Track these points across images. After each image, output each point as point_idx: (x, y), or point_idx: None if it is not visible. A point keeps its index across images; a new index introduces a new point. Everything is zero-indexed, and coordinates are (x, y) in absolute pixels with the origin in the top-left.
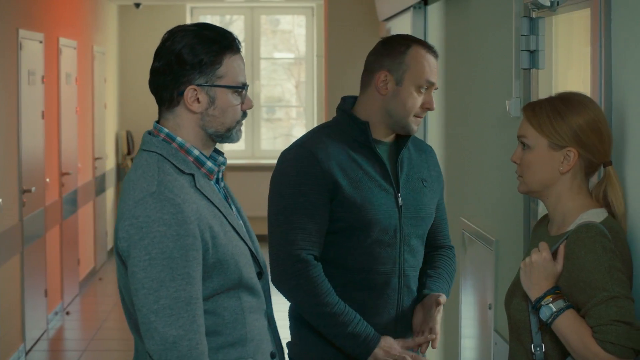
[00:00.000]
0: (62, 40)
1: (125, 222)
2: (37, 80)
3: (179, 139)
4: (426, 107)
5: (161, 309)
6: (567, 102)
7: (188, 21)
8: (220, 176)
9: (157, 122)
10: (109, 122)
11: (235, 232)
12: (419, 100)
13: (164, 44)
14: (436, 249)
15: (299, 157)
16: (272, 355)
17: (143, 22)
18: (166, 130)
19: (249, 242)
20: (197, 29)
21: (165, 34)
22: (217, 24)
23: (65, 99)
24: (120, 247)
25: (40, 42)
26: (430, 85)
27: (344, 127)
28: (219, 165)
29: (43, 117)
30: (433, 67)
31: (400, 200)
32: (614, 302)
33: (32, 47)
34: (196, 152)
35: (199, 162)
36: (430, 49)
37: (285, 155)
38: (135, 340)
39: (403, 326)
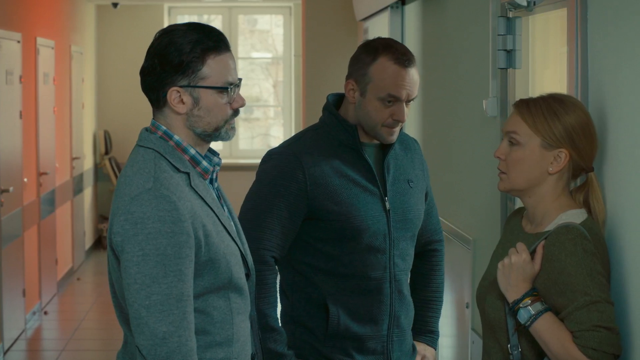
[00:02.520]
0: (40, 40)
1: (121, 218)
2: (15, 80)
3: (176, 137)
4: (395, 118)
5: (152, 304)
6: (562, 102)
7: (165, 21)
8: (214, 176)
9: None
10: (86, 121)
11: (227, 233)
12: (384, 112)
13: (152, 43)
14: (424, 252)
15: (284, 159)
16: (252, 357)
17: (121, 22)
18: (164, 128)
19: (239, 243)
20: (184, 29)
21: (157, 33)
22: None
23: (43, 99)
24: (115, 242)
25: (18, 41)
26: (395, 99)
27: (330, 129)
28: (214, 166)
29: (21, 117)
30: (401, 82)
31: (387, 204)
32: (595, 306)
33: (9, 47)
34: (192, 151)
35: (194, 161)
36: (401, 60)
37: (271, 155)
38: (125, 333)
39: (395, 332)
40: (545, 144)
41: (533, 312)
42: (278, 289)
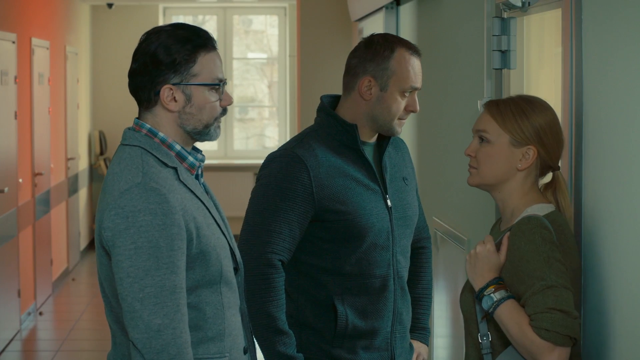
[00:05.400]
0: (35, 41)
1: (111, 212)
2: (10, 81)
3: (160, 134)
4: (410, 109)
5: (146, 297)
6: (530, 102)
7: (160, 21)
8: (199, 172)
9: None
10: (81, 122)
11: (217, 226)
12: (402, 104)
13: (140, 45)
14: (413, 249)
15: (289, 161)
16: (245, 351)
17: (115, 22)
18: (148, 125)
19: (228, 237)
20: (171, 28)
21: (142, 35)
22: None
23: (38, 99)
24: (105, 237)
25: (13, 42)
26: (415, 90)
27: (329, 129)
28: (199, 162)
29: (16, 117)
30: (417, 72)
31: (389, 201)
32: (550, 291)
33: (5, 48)
34: (178, 147)
35: (180, 157)
36: (414, 50)
37: (274, 158)
38: (114, 333)
39: (398, 328)
40: (514, 141)
41: (495, 299)
42: None
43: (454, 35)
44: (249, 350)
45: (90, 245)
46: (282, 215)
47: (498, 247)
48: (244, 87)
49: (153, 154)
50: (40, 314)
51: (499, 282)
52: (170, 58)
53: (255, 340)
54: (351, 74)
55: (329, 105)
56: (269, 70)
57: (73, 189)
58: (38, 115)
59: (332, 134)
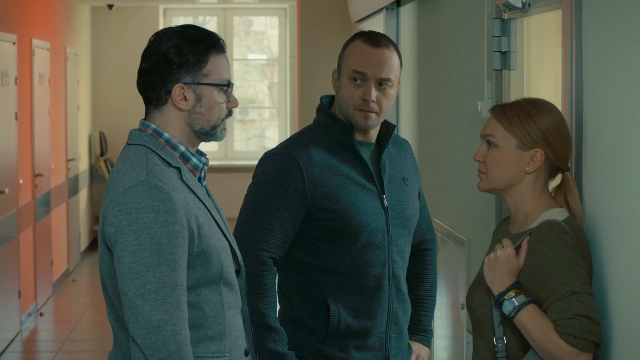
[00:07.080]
0: (35, 42)
1: (115, 209)
2: (11, 82)
3: (166, 134)
4: (363, 98)
5: (147, 293)
6: (536, 105)
7: (161, 22)
8: (202, 175)
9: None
10: (82, 123)
11: (218, 227)
12: (354, 92)
13: (151, 45)
14: (417, 251)
15: (282, 160)
16: (246, 353)
17: (116, 23)
18: (153, 126)
19: (230, 239)
20: (182, 29)
21: (152, 36)
22: None
23: (38, 100)
24: (108, 233)
25: (14, 43)
26: (361, 75)
27: (326, 129)
28: (203, 164)
29: (16, 118)
30: (365, 57)
31: (385, 201)
32: (575, 297)
33: (5, 49)
34: (182, 148)
35: (184, 158)
36: (373, 41)
37: (269, 156)
38: (115, 331)
39: (393, 328)
40: (521, 144)
41: (517, 304)
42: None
43: (454, 36)
44: (251, 353)
45: (91, 246)
46: (274, 213)
47: (516, 250)
48: (244, 88)
49: (157, 153)
50: (41, 314)
51: (518, 286)
52: (182, 57)
53: (255, 342)
54: None
55: (328, 105)
56: (269, 71)
57: (73, 190)
58: (38, 116)
59: (329, 133)
